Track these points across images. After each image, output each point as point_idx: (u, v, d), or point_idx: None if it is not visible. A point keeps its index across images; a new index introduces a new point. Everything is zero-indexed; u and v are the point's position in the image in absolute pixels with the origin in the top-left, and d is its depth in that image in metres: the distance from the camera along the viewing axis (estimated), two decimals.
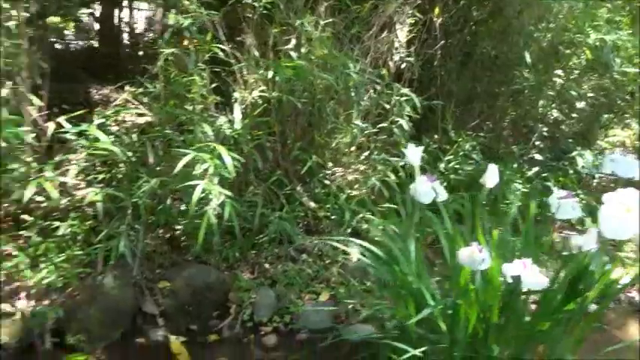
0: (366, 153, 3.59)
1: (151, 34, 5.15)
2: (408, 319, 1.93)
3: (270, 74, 3.02)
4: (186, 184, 2.36)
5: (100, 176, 2.79)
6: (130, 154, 2.73)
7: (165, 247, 3.13)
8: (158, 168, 2.87)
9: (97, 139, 2.75)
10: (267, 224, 3.22)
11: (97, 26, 5.19)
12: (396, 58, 3.84)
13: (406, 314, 1.97)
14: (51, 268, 2.69)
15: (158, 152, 2.84)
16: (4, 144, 2.43)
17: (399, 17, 3.80)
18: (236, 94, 3.21)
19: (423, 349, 1.73)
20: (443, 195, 2.09)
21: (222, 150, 2.49)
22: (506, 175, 3.69)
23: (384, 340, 2.08)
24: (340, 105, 3.28)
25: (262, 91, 3.05)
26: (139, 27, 5.79)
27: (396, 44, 3.89)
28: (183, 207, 3.17)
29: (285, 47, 3.12)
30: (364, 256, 2.32)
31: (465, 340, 1.77)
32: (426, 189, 2.04)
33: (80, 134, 2.74)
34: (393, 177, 3.33)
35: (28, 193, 2.47)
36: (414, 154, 2.20)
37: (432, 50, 4.01)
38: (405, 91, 3.40)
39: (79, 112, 3.01)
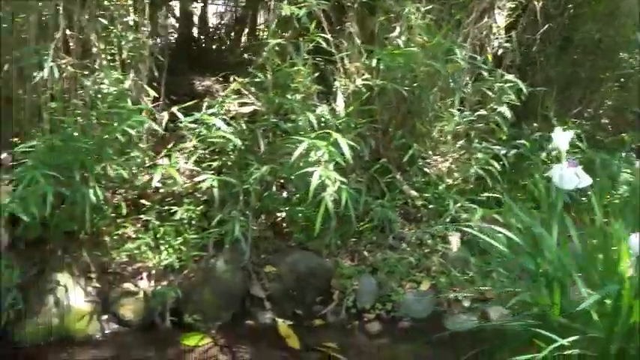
0: (461, 141, 3.52)
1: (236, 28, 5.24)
2: (551, 309, 1.87)
3: (375, 62, 3.01)
4: (304, 170, 2.40)
5: (214, 164, 2.88)
6: (239, 141, 2.80)
7: (269, 233, 3.21)
8: (265, 155, 2.94)
9: (209, 128, 2.85)
10: (367, 212, 3.23)
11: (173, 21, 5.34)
12: (495, 43, 3.72)
13: (548, 303, 1.90)
14: (170, 251, 2.83)
15: (267, 140, 2.90)
16: (132, 132, 2.56)
17: (499, 2, 3.67)
18: (337, 83, 3.23)
19: (571, 338, 1.67)
20: (587, 181, 2.00)
21: (338, 137, 2.51)
22: (614, 164, 3.51)
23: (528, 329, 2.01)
24: (442, 92, 3.23)
25: (366, 79, 3.05)
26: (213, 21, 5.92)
27: (495, 29, 3.77)
28: (285, 194, 3.26)
29: (390, 35, 3.09)
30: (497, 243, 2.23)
31: (622, 331, 1.69)
32: (570, 175, 1.96)
33: (195, 123, 2.84)
34: (496, 165, 3.24)
35: (157, 178, 2.60)
36: (562, 138, 2.12)
37: (531, 35, 3.85)
38: (510, 77, 3.29)
39: (190, 103, 3.14)
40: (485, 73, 3.41)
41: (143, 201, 3.00)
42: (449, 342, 2.83)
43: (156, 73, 3.03)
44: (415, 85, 3.14)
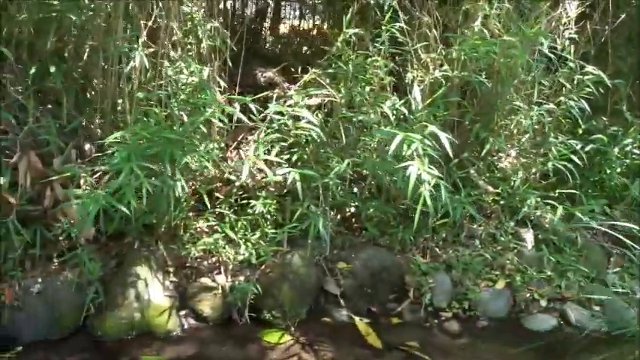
0: (526, 136, 3.42)
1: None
2: None
3: (455, 53, 2.91)
4: (402, 165, 2.32)
5: (291, 156, 2.80)
6: (322, 134, 2.71)
7: (341, 228, 3.14)
8: (344, 148, 2.86)
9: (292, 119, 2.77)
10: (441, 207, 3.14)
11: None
12: (565, 34, 3.60)
13: None
14: (248, 245, 2.77)
15: (348, 132, 2.82)
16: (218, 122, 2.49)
17: None
18: (409, 75, 3.14)
19: None
20: None
21: (435, 129, 2.43)
22: None
23: None
24: (519, 84, 3.12)
25: (444, 70, 2.95)
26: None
27: (565, 20, 3.65)
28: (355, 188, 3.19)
29: (470, 25, 2.99)
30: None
31: None
32: None
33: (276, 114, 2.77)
34: (576, 160, 3.13)
35: (245, 170, 2.53)
36: None
37: (601, 26, 3.72)
38: (590, 68, 3.18)
39: (263, 94, 3.07)
40: (558, 65, 3.30)
41: (218, 194, 2.94)
42: (529, 342, 2.78)
43: (230, 64, 2.95)
44: (494, 76, 3.03)
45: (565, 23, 3.68)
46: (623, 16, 3.66)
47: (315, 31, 4.70)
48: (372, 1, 2.76)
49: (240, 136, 3.18)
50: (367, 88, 3.07)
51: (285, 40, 4.85)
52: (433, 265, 3.08)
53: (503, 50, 2.88)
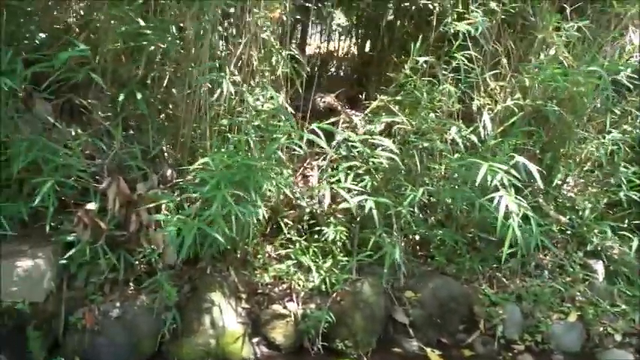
0: (595, 165, 3.37)
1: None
2: None
3: (528, 81, 2.91)
4: (490, 196, 2.30)
5: (367, 184, 2.80)
6: (400, 163, 2.71)
7: (408, 256, 3.11)
8: (417, 176, 2.85)
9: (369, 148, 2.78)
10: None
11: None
12: (631, 62, 3.57)
13: None
14: (321, 272, 2.76)
15: (422, 160, 2.81)
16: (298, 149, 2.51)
17: (636, 20, 3.53)
18: (476, 102, 3.14)
19: None
20: None
21: (523, 160, 2.41)
22: None
23: None
24: (591, 113, 3.10)
25: (516, 99, 2.94)
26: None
27: (628, 47, 3.62)
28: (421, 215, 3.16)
29: (544, 53, 2.99)
30: None
31: None
32: None
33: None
34: None
35: (327, 197, 2.54)
36: None
37: None
38: None
39: (332, 120, 3.09)
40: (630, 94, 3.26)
41: (287, 221, 2.94)
42: None
43: (300, 91, 2.98)
44: (566, 105, 3.01)
45: (629, 51, 3.67)
46: None
47: (352, 54, 4.70)
48: (451, 30, 2.77)
49: (306, 162, 3.19)
50: (432, 115, 3.08)
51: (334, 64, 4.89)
52: (503, 295, 3.02)
53: (575, 79, 2.86)
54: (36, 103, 2.59)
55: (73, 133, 2.58)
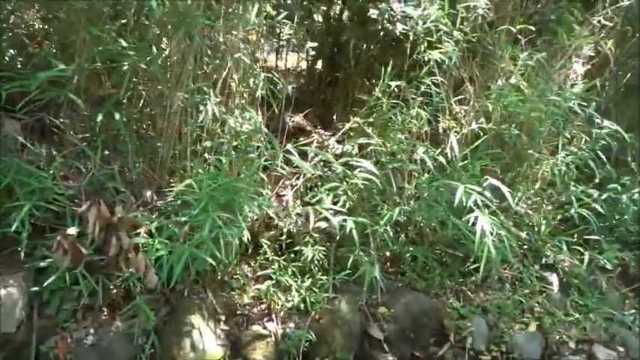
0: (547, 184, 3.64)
1: None
2: None
3: (490, 106, 3.11)
4: (469, 216, 2.44)
5: (346, 203, 2.86)
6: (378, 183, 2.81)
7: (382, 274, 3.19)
8: (391, 196, 2.96)
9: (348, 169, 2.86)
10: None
11: None
12: (574, 90, 3.89)
13: None
14: (301, 292, 2.78)
15: (395, 180, 2.92)
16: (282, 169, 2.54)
17: (579, 51, 3.86)
18: (442, 124, 3.31)
19: None
20: None
21: (495, 182, 2.57)
22: None
23: None
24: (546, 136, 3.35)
25: (481, 123, 3.13)
26: None
27: (572, 75, 3.95)
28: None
29: (503, 81, 3.20)
30: None
31: None
32: None
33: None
34: (598, 207, 3.35)
35: (312, 218, 2.58)
36: None
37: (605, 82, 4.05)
38: (607, 123, 3.44)
39: (307, 141, 3.15)
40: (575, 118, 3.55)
41: (264, 241, 2.95)
42: None
43: (276, 112, 3.02)
44: (523, 129, 3.24)
45: (572, 78, 4.00)
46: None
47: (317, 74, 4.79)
48: (425, 58, 2.92)
49: (280, 181, 3.22)
50: (402, 137, 3.22)
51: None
52: (470, 308, 3.17)
53: (535, 105, 3.09)
54: (4, 123, 2.48)
55: (45, 154, 2.49)
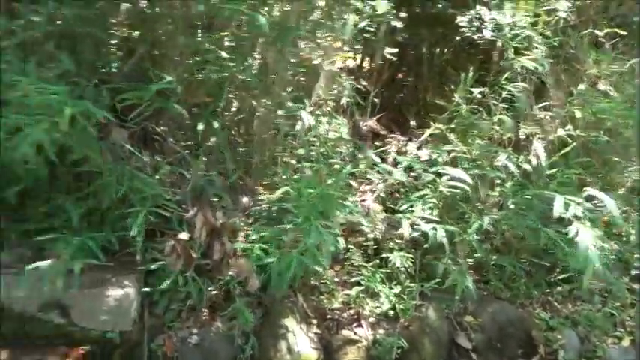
0: None
1: None
2: None
3: (578, 113, 3.04)
4: (569, 228, 2.40)
5: (434, 211, 2.87)
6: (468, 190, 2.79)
7: None
8: (478, 204, 2.94)
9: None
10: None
11: None
12: None
13: None
14: (390, 298, 2.80)
15: (482, 187, 2.90)
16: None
17: None
18: (524, 131, 3.26)
19: None
20: None
21: (595, 192, 2.51)
22: None
23: None
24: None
25: (567, 129, 3.07)
26: None
27: None
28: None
29: (591, 85, 3.14)
30: None
31: None
32: None
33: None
34: None
35: (406, 227, 2.59)
36: None
37: None
38: None
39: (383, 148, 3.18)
40: None
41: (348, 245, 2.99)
42: None
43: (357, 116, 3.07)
44: (611, 136, 3.15)
45: None
46: None
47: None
48: (514, 65, 2.91)
49: (360, 187, 3.26)
50: (483, 142, 3.19)
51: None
52: (559, 320, 3.09)
53: (627, 112, 3.01)
54: (112, 131, 2.63)
55: (147, 160, 2.62)
